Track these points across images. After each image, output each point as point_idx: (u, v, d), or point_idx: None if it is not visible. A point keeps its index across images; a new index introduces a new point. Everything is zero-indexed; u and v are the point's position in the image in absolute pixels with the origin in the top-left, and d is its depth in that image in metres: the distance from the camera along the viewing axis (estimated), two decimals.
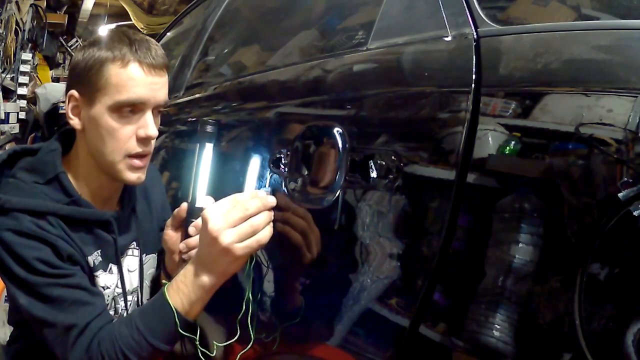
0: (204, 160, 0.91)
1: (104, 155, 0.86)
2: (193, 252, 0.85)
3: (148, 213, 1.06)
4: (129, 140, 0.85)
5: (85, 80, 0.84)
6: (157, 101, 0.86)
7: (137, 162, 0.87)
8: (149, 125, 0.85)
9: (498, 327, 0.52)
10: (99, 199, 0.93)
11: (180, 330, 0.79)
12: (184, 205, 0.91)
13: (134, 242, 1.01)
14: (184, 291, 0.79)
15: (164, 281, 0.85)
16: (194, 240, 0.86)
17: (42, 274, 0.80)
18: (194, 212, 0.88)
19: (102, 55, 0.84)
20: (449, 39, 0.67)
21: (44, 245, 0.81)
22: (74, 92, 0.87)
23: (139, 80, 0.83)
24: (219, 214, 0.75)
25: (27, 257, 0.80)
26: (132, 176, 0.88)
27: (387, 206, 0.66)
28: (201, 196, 0.89)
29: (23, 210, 0.82)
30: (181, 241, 0.90)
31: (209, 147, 0.92)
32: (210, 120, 0.91)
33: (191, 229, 0.87)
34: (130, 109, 0.84)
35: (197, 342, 0.81)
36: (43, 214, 0.83)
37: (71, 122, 0.89)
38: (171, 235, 0.95)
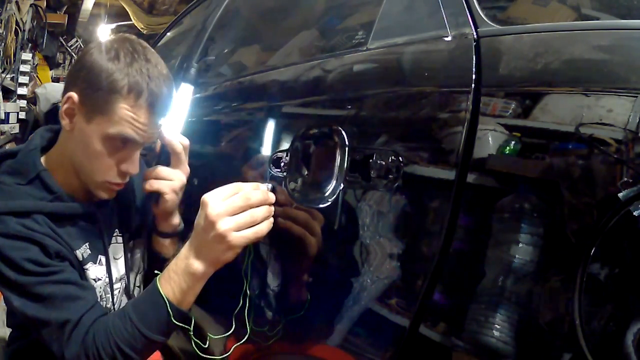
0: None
1: (84, 170, 0.88)
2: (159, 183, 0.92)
3: (132, 198, 1.05)
4: (110, 169, 0.86)
5: (92, 95, 0.82)
6: (149, 141, 0.88)
7: (114, 187, 0.89)
8: (134, 164, 0.87)
9: (498, 327, 0.52)
10: (82, 192, 0.93)
11: (174, 321, 0.78)
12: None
13: (117, 230, 1.01)
14: (175, 280, 0.79)
15: (156, 272, 0.84)
16: (162, 170, 0.93)
17: (32, 274, 0.81)
18: None
19: (118, 80, 0.81)
20: (449, 39, 0.67)
21: (32, 244, 0.82)
22: (74, 95, 0.83)
23: (143, 125, 0.83)
24: (219, 199, 0.74)
25: (16, 259, 0.80)
26: (104, 195, 0.90)
27: (387, 206, 0.66)
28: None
29: (8, 212, 0.82)
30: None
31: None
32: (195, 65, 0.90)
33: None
34: (122, 143, 0.85)
35: (191, 333, 0.81)
36: (28, 214, 0.83)
37: (62, 121, 0.86)
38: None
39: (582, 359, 0.46)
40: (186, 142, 0.96)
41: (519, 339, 0.51)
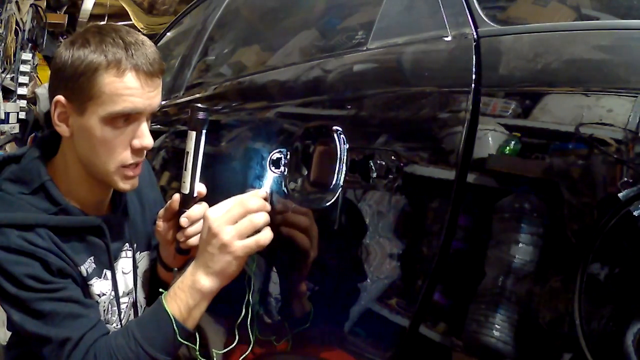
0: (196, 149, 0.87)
1: (96, 165, 0.84)
2: (192, 240, 0.84)
3: (140, 210, 1.03)
4: (123, 151, 0.82)
5: (75, 87, 0.79)
6: (152, 109, 0.82)
7: (131, 172, 0.85)
8: (145, 135, 0.82)
9: (498, 327, 0.52)
10: (89, 203, 0.90)
11: (180, 339, 0.78)
12: (177, 196, 0.87)
13: (127, 244, 0.98)
14: (182, 297, 0.79)
15: (161, 290, 0.84)
16: (192, 229, 0.84)
17: (32, 290, 0.79)
18: (187, 202, 0.85)
19: (94, 60, 0.77)
20: (449, 39, 0.67)
21: (34, 260, 0.79)
22: (60, 98, 0.81)
23: (136, 90, 0.78)
24: (220, 212, 0.75)
25: (16, 274, 0.78)
26: (126, 185, 0.86)
27: (387, 206, 0.66)
28: (194, 185, 0.85)
29: (10, 225, 0.80)
30: (174, 232, 0.88)
31: (201, 135, 0.87)
32: (201, 106, 0.84)
33: (183, 220, 0.84)
34: (124, 119, 0.80)
35: (197, 352, 0.81)
36: (31, 227, 0.81)
37: (58, 128, 0.84)
38: (163, 226, 0.92)
39: (582, 359, 0.46)
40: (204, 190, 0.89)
41: (519, 339, 0.51)
